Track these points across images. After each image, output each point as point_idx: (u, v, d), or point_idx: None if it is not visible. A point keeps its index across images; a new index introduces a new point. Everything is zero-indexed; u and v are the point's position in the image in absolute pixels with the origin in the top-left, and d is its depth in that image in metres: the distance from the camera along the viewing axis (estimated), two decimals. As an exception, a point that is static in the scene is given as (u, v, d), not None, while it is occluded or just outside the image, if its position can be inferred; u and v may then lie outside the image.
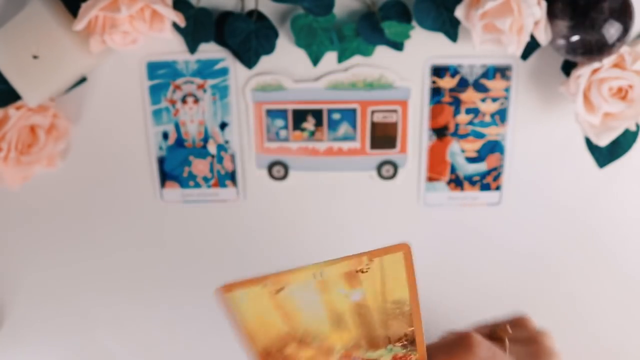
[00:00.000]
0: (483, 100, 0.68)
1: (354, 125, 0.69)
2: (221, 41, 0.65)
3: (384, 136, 0.69)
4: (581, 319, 0.76)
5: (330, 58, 0.66)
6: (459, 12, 0.59)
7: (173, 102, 0.69)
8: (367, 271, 0.41)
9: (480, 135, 0.69)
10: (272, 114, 0.69)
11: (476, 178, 0.71)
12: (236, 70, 0.67)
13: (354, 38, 0.64)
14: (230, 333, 0.83)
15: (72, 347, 0.80)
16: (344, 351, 0.42)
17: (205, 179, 0.71)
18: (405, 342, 0.43)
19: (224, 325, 0.81)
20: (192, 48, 0.64)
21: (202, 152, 0.71)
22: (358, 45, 0.65)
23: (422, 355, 0.43)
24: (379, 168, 0.70)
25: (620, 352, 0.78)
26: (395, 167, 0.70)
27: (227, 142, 0.70)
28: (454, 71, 0.67)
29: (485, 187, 0.71)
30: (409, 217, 0.72)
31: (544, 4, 0.58)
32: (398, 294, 0.41)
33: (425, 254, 0.74)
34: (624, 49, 0.59)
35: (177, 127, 0.70)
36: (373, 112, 0.68)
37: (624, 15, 0.57)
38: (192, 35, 0.64)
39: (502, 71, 0.67)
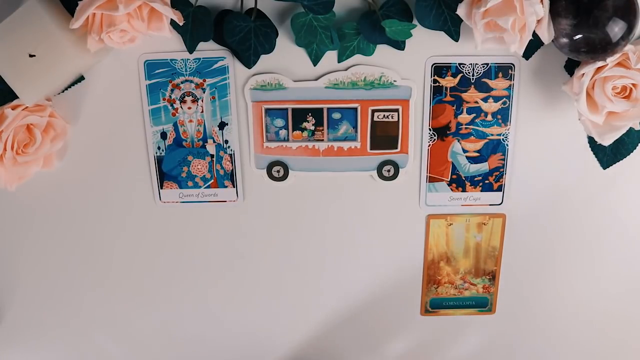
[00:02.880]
0: (485, 99, 0.67)
1: (354, 125, 0.68)
2: (220, 40, 0.64)
3: (385, 136, 0.68)
4: (585, 318, 0.76)
5: (330, 57, 0.65)
6: (461, 11, 0.58)
7: (171, 102, 0.68)
8: (487, 224, 0.71)
9: (482, 135, 0.68)
10: (271, 113, 0.68)
11: (478, 178, 0.70)
12: (235, 69, 0.66)
13: (354, 37, 0.64)
14: (228, 334, 0.82)
15: (69, 346, 0.79)
16: (463, 274, 0.74)
17: (204, 179, 0.71)
18: (490, 277, 0.74)
19: (222, 325, 0.81)
20: (191, 47, 0.64)
21: (200, 152, 0.70)
22: (358, 44, 0.64)
23: (496, 287, 0.74)
24: (380, 168, 0.69)
25: (625, 350, 0.77)
26: (396, 167, 0.69)
27: (226, 141, 0.69)
28: (455, 70, 0.66)
29: (487, 188, 0.70)
30: (410, 218, 0.72)
31: (546, 2, 0.57)
32: (494, 242, 0.72)
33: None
34: (628, 48, 0.59)
35: (175, 126, 0.69)
36: (374, 111, 0.67)
37: (628, 13, 0.56)
38: (191, 33, 0.63)
39: (504, 70, 0.66)
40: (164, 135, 0.69)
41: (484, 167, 0.70)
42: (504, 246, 0.72)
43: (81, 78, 0.66)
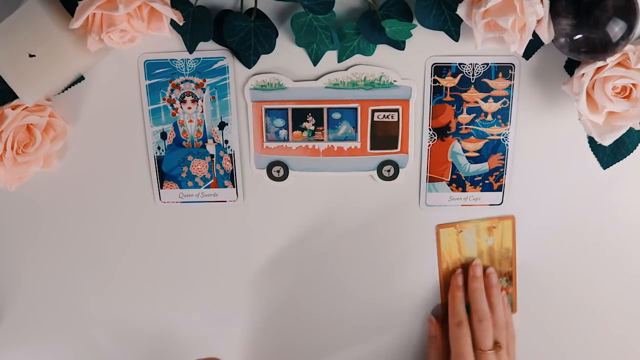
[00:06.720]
0: (485, 99, 0.67)
1: (354, 125, 0.68)
2: (220, 40, 0.64)
3: (385, 136, 0.68)
4: (585, 319, 0.76)
5: (330, 57, 0.65)
6: (461, 10, 0.58)
7: (171, 102, 0.68)
8: (496, 227, 0.72)
9: (482, 135, 0.68)
10: (271, 113, 0.68)
11: (478, 178, 0.70)
12: (235, 69, 0.66)
13: (354, 37, 0.64)
14: (228, 333, 0.82)
15: (69, 346, 0.79)
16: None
17: (204, 179, 0.71)
18: (507, 278, 0.74)
19: (222, 326, 0.81)
20: (191, 47, 0.64)
21: (200, 152, 0.70)
22: (358, 44, 0.64)
23: (514, 287, 0.74)
24: (380, 168, 0.69)
25: (626, 352, 0.77)
26: (396, 167, 0.69)
27: (226, 142, 0.69)
28: (455, 70, 0.66)
29: (487, 188, 0.70)
30: (410, 218, 0.72)
31: (546, 2, 0.57)
32: (507, 244, 0.72)
33: (427, 254, 0.73)
34: (629, 48, 0.59)
35: (175, 126, 0.69)
36: (374, 111, 0.67)
37: (628, 13, 0.56)
38: (191, 33, 0.63)
39: (504, 70, 0.66)
40: (164, 135, 0.69)
41: (484, 167, 0.70)
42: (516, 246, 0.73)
43: (81, 78, 0.66)
